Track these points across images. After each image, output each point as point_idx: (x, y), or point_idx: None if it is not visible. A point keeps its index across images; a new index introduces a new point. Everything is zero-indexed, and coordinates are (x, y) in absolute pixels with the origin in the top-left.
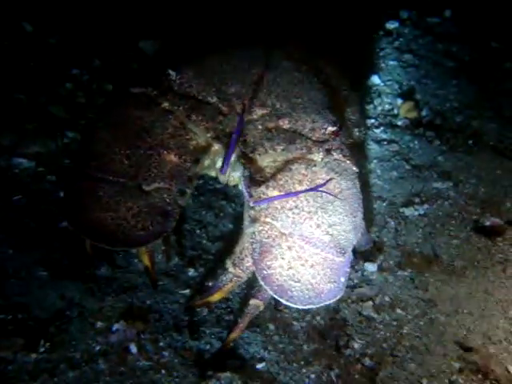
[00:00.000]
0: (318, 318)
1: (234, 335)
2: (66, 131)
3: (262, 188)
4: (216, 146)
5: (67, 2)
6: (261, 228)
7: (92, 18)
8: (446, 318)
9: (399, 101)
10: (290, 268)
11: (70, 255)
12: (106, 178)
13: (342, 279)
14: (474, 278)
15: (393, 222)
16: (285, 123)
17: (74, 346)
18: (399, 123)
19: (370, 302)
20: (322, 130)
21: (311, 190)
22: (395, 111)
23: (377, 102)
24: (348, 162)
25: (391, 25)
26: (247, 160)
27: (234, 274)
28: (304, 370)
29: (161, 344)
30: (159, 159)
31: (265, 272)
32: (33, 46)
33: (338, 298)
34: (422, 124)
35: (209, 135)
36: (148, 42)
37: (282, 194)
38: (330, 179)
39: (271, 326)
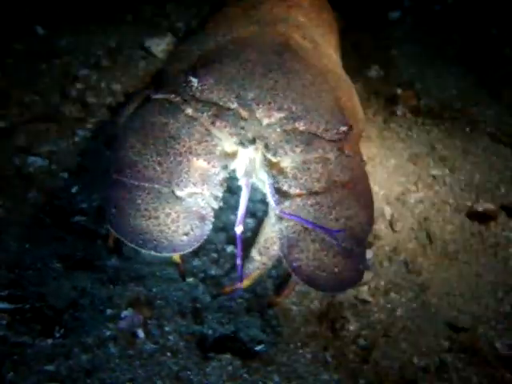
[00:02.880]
0: (316, 302)
1: (279, 299)
2: (77, 130)
3: (285, 188)
4: (240, 151)
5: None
6: (286, 224)
7: (97, 16)
8: (438, 300)
9: (399, 90)
10: (315, 259)
11: (82, 248)
12: (141, 185)
13: (361, 267)
14: (465, 262)
15: (389, 209)
16: (301, 125)
17: (87, 331)
18: (398, 112)
19: (366, 287)
20: (335, 130)
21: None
22: (395, 100)
23: (377, 91)
24: (358, 157)
25: (394, 14)
26: (270, 164)
27: (261, 261)
28: (300, 351)
29: (166, 329)
30: (189, 165)
31: (294, 264)
32: (44, 48)
33: (357, 283)
34: (421, 112)
35: (233, 140)
36: (155, 41)
37: (304, 195)
38: (345, 176)
39: (270, 311)
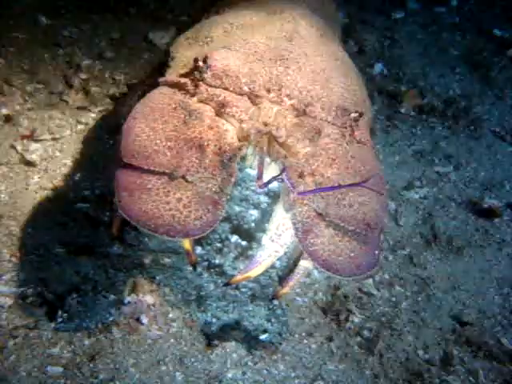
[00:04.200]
0: (320, 294)
1: (284, 291)
2: (80, 118)
3: (298, 173)
4: (252, 136)
5: None
6: (300, 209)
7: (101, 8)
8: (443, 294)
9: (403, 88)
10: (331, 244)
11: (85, 235)
12: (152, 169)
13: (377, 252)
14: (471, 257)
15: (394, 204)
16: (312, 111)
17: (90, 316)
18: (403, 110)
19: (370, 280)
20: (345, 117)
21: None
22: (399, 98)
23: (381, 89)
24: (368, 143)
25: (398, 14)
26: (283, 149)
27: (273, 249)
28: (305, 341)
29: (170, 316)
30: (200, 150)
31: (310, 248)
32: (47, 38)
33: (375, 268)
34: (424, 110)
35: (244, 126)
36: (158, 33)
37: (318, 179)
38: (356, 162)
39: (275, 301)
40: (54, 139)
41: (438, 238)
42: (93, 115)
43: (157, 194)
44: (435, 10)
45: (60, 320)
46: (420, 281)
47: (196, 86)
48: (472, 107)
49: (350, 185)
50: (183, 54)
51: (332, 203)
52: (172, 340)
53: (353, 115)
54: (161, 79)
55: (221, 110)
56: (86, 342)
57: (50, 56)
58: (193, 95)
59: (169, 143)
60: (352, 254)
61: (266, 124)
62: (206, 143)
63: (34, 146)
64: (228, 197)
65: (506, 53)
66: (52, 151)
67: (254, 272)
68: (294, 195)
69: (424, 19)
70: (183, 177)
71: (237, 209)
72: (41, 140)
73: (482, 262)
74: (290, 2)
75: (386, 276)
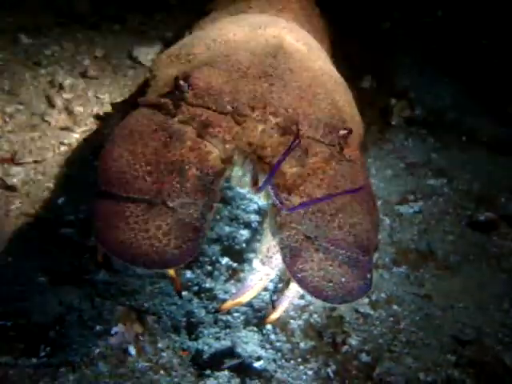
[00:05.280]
0: (315, 315)
1: (274, 316)
2: (63, 140)
3: (285, 195)
4: (236, 157)
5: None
6: (288, 233)
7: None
8: (442, 312)
9: (393, 100)
10: (321, 269)
11: (69, 261)
12: (130, 196)
13: (369, 276)
14: (468, 273)
15: (388, 220)
16: (298, 130)
17: (74, 349)
18: (393, 122)
19: (366, 299)
20: (334, 134)
21: (334, 195)
22: (389, 110)
23: (371, 101)
24: (358, 161)
25: (384, 24)
26: (268, 170)
27: (264, 272)
28: (301, 367)
29: (159, 345)
30: (181, 174)
31: (299, 275)
32: (28, 57)
33: (367, 293)
34: (415, 122)
35: (227, 146)
36: (143, 50)
37: (306, 200)
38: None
39: (268, 325)
40: (35, 162)
41: (434, 253)
42: (76, 136)
43: (135, 222)
44: (421, 21)
45: (43, 354)
46: (417, 299)
47: (177, 106)
48: (463, 118)
49: (340, 205)
50: (164, 73)
51: (321, 226)
52: (162, 371)
53: (341, 132)
54: (141, 100)
55: (203, 130)
56: (71, 377)
57: (31, 75)
58: (174, 116)
59: (148, 167)
60: (343, 280)
61: (250, 144)
62: (187, 166)
63: (14, 169)
64: (210, 223)
65: (494, 62)
66: (34, 175)
67: (246, 297)
68: (281, 218)
69: (411, 30)
70: (164, 203)
71: (227, 229)
72: (22, 163)
73: (480, 278)
74: (274, 17)
75: (383, 295)
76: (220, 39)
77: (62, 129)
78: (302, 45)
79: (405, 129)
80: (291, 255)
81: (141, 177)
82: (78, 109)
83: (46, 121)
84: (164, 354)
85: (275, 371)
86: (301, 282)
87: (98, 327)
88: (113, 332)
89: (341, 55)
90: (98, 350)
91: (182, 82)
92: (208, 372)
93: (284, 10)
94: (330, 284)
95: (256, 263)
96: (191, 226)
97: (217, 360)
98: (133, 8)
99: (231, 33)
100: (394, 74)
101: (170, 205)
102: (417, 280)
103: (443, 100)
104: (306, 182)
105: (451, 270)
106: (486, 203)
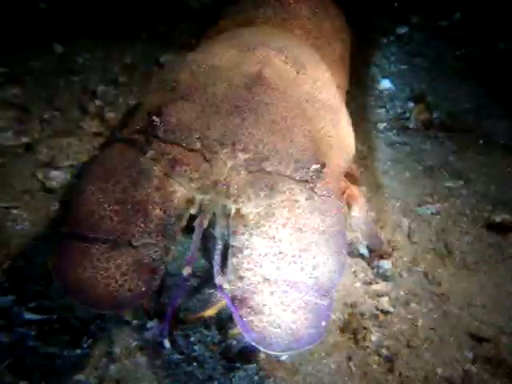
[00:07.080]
0: (337, 313)
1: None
2: (96, 144)
3: (246, 236)
4: (201, 197)
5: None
6: (244, 275)
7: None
8: (459, 310)
9: (411, 103)
10: (271, 314)
11: None
12: (97, 236)
13: (323, 323)
14: (485, 273)
15: (406, 221)
16: (267, 166)
17: (114, 342)
18: (411, 125)
19: (386, 297)
20: (306, 170)
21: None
22: (407, 114)
23: (389, 105)
24: (332, 197)
25: (401, 29)
26: (230, 214)
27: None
28: (325, 361)
29: (191, 339)
30: (146, 214)
31: (243, 320)
32: (62, 66)
33: (317, 342)
34: (433, 125)
35: (193, 185)
36: (169, 57)
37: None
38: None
39: None
40: (72, 166)
41: (451, 253)
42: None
43: (98, 261)
44: (438, 24)
45: (85, 346)
46: (435, 297)
47: (150, 143)
48: (480, 121)
49: (304, 245)
50: (149, 101)
51: (283, 267)
52: (195, 363)
53: (314, 167)
54: (117, 134)
55: (170, 168)
56: (112, 367)
57: (65, 83)
58: (145, 152)
59: (116, 207)
60: (294, 326)
61: (216, 182)
62: (151, 206)
63: (53, 173)
64: (167, 265)
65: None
66: (70, 178)
67: (207, 313)
68: (237, 259)
69: (428, 33)
70: (129, 242)
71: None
72: (60, 167)
73: (497, 278)
74: (274, 31)
75: (402, 293)
76: (205, 64)
77: (96, 134)
78: (290, 67)
79: (422, 132)
80: (242, 298)
81: (108, 217)
82: (110, 115)
83: (81, 126)
84: (196, 348)
85: (300, 364)
86: (243, 328)
87: (134, 322)
88: (148, 326)
89: (361, 54)
90: (135, 343)
91: (154, 118)
92: (238, 365)
93: (290, 18)
94: (278, 330)
95: (221, 280)
96: (148, 268)
97: (245, 354)
98: (159, 17)
99: (218, 56)
100: (412, 78)
101: (135, 244)
102: (435, 279)
103: (460, 103)
104: (269, 223)
105: (468, 269)
106: (502, 205)
